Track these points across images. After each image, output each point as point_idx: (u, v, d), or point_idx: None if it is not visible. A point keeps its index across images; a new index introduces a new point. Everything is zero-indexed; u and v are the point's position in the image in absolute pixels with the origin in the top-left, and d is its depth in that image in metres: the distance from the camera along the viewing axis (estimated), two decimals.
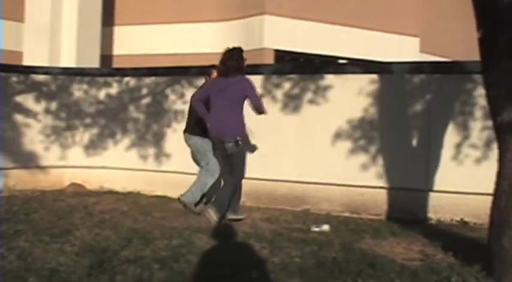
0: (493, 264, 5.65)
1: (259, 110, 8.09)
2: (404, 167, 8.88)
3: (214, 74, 8.84)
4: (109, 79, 11.16)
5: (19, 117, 10.88)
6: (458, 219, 8.48)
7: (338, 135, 9.25)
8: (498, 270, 5.59)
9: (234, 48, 8.27)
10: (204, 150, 8.92)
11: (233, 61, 8.12)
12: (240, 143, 7.97)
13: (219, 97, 8.09)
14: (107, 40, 17.85)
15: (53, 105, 11.03)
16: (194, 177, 9.78)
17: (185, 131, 9.17)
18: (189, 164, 10.18)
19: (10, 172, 10.64)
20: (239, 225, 7.97)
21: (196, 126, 8.88)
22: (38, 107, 11.04)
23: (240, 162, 8.15)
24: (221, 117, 8.05)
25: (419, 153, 8.80)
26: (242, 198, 9.31)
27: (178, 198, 8.81)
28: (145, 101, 10.84)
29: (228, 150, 8.02)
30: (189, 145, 9.22)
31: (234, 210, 8.30)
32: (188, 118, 9.24)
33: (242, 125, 8.13)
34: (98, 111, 11.14)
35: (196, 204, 8.76)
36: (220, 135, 8.03)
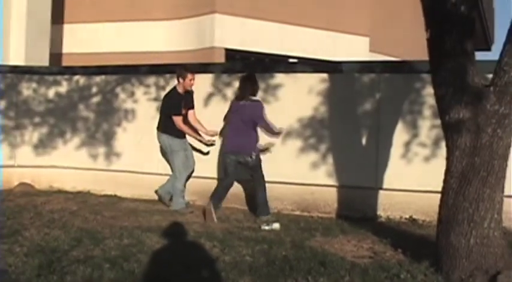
0: (442, 261, 5.74)
1: (272, 132, 9.00)
2: (354, 165, 8.95)
3: (189, 76, 9.15)
4: (58, 78, 11.03)
5: None
6: (407, 216, 8.57)
7: (288, 134, 9.28)
8: (446, 267, 5.68)
9: (248, 75, 8.97)
10: (171, 150, 9.26)
11: (247, 87, 8.83)
12: (255, 156, 8.66)
13: (233, 117, 8.85)
14: (56, 38, 17.64)
15: (1, 104, 10.86)
16: (144, 176, 9.77)
17: (157, 129, 9.41)
18: (139, 163, 10.15)
19: None
20: (190, 224, 7.96)
21: (166, 125, 9.21)
22: None
23: (259, 170, 8.73)
24: (237, 135, 8.70)
25: (369, 152, 8.88)
26: (193, 197, 9.36)
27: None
28: (95, 99, 10.74)
29: (249, 164, 8.64)
30: (159, 142, 9.48)
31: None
32: (160, 117, 9.41)
33: (256, 141, 8.79)
34: (47, 110, 11.00)
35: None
36: (237, 151, 8.67)
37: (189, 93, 9.31)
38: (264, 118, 8.73)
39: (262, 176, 8.74)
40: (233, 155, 8.69)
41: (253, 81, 8.85)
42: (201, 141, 9.47)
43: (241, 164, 8.70)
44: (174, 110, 9.14)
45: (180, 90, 9.23)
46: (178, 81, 9.21)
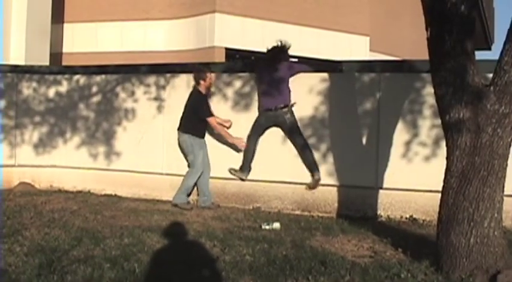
0: (442, 260, 5.75)
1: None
2: (355, 165, 8.95)
3: (208, 76, 9.45)
4: (59, 77, 11.02)
5: None
6: (407, 216, 8.57)
7: None
8: (447, 266, 5.68)
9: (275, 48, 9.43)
10: (192, 149, 9.42)
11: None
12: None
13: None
14: (56, 38, 17.64)
15: (2, 103, 10.85)
16: (144, 176, 9.77)
17: (178, 129, 9.56)
18: (139, 162, 10.15)
19: None
20: (190, 223, 7.96)
21: (189, 126, 9.43)
22: None
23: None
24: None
25: (369, 151, 8.88)
26: (193, 197, 9.40)
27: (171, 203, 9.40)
28: (96, 99, 10.74)
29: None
30: (179, 142, 9.60)
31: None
32: (182, 118, 9.54)
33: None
34: (47, 109, 11.00)
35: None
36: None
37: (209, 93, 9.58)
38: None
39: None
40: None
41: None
42: (228, 141, 9.54)
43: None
44: (206, 113, 9.33)
45: (203, 91, 9.40)
46: (199, 82, 9.34)
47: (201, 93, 9.39)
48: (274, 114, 9.08)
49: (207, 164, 9.54)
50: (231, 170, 9.48)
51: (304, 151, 9.14)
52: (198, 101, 9.35)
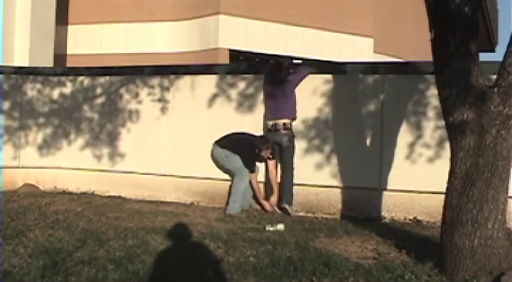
0: (446, 262, 5.75)
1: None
2: (358, 166, 8.94)
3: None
4: (63, 78, 11.04)
5: None
6: (411, 217, 8.57)
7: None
8: (450, 268, 5.68)
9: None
10: (228, 159, 9.31)
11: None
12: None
13: None
14: (60, 39, 17.66)
15: (6, 105, 10.87)
16: (148, 177, 9.77)
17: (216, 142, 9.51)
18: (143, 164, 10.16)
19: None
20: (194, 225, 7.96)
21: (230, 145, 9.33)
22: None
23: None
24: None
25: (373, 153, 8.87)
26: (197, 198, 9.39)
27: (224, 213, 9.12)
28: (100, 100, 10.75)
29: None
30: (212, 155, 9.56)
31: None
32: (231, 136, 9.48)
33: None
34: (51, 110, 11.01)
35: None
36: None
37: None
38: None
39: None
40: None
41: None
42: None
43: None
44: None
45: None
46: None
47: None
48: (274, 134, 9.13)
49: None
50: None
51: (287, 177, 9.14)
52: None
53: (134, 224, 8.01)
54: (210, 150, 9.47)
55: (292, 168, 9.11)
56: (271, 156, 9.20)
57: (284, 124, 9.06)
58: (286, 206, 9.01)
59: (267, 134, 9.17)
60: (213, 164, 9.59)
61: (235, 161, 9.17)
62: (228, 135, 9.38)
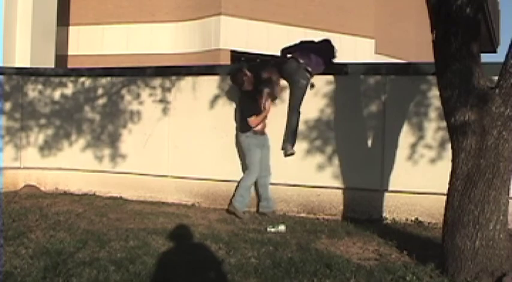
0: (447, 263, 5.75)
1: None
2: (360, 167, 8.94)
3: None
4: (64, 79, 11.03)
5: None
6: (413, 218, 8.56)
7: None
8: (452, 269, 5.68)
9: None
10: (248, 148, 9.06)
11: None
12: None
13: None
14: (62, 40, 17.67)
15: (7, 106, 10.87)
16: (149, 178, 9.77)
17: (236, 129, 9.42)
18: (144, 165, 10.15)
19: None
20: (195, 226, 7.96)
21: (244, 125, 9.09)
22: None
23: None
24: None
25: (375, 154, 8.87)
26: (198, 199, 9.39)
27: (227, 209, 9.12)
28: (101, 101, 10.75)
29: None
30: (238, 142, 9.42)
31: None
32: (239, 117, 9.35)
33: None
34: (53, 111, 11.01)
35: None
36: None
37: None
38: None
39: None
40: None
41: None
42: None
43: None
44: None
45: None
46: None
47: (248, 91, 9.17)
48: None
49: (267, 166, 9.23)
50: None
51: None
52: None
53: (135, 225, 8.01)
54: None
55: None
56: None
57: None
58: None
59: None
60: (214, 165, 9.60)
61: (251, 156, 9.03)
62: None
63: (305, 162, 9.18)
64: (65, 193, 10.52)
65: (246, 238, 7.28)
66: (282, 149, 9.21)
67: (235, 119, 9.46)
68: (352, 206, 8.91)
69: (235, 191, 9.12)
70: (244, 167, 9.25)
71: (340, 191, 9.02)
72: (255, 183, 9.13)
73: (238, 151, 9.46)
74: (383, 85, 8.93)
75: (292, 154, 9.10)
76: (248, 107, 9.03)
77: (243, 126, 9.10)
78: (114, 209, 9.20)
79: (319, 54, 9.20)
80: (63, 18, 17.63)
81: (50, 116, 11.00)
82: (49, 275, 5.54)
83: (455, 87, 5.62)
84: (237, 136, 9.37)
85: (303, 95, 9.05)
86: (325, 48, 9.48)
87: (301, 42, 9.65)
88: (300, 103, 9.08)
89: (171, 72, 10.36)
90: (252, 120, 8.88)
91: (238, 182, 9.16)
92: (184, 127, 9.96)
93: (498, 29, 31.73)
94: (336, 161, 9.06)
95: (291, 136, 9.13)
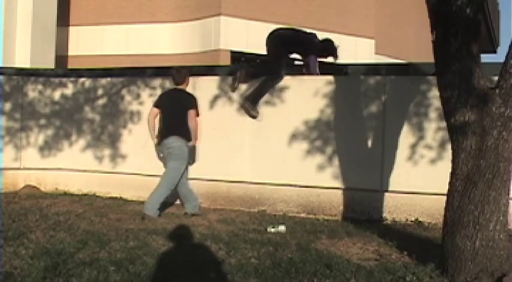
0: (447, 263, 5.74)
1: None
2: (360, 167, 8.94)
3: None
4: (64, 80, 11.03)
5: None
6: (413, 219, 8.56)
7: (294, 136, 9.27)
8: (452, 269, 5.68)
9: None
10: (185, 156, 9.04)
11: None
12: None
13: None
14: (62, 40, 17.68)
15: (7, 106, 10.87)
16: (149, 179, 9.76)
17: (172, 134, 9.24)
18: (144, 165, 10.14)
19: None
20: (195, 226, 7.96)
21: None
22: None
23: None
24: None
25: (375, 154, 8.87)
26: (199, 199, 9.38)
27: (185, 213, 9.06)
28: (101, 102, 10.75)
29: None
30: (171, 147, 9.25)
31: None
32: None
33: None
34: (52, 112, 11.01)
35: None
36: None
37: None
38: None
39: None
40: None
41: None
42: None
43: None
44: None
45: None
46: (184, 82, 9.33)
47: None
48: None
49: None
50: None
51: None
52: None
53: (135, 225, 8.01)
54: None
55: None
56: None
57: None
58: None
59: None
60: (215, 166, 9.60)
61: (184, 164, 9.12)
62: None
63: (305, 163, 9.18)
64: (65, 193, 10.52)
65: (246, 238, 7.28)
66: (241, 106, 9.31)
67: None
68: (352, 207, 8.91)
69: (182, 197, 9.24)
70: (245, 167, 9.26)
71: (340, 191, 9.02)
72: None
73: (238, 152, 9.47)
74: (383, 85, 8.93)
75: (255, 117, 9.14)
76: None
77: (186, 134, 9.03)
78: (114, 209, 9.20)
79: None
80: (63, 19, 17.63)
81: (50, 117, 10.99)
82: (49, 276, 5.54)
83: (455, 88, 5.62)
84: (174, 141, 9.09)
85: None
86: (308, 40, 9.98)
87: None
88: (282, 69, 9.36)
89: (171, 72, 10.35)
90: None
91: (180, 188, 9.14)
92: None
93: (498, 29, 31.77)
94: (336, 161, 9.06)
95: (256, 95, 9.23)
